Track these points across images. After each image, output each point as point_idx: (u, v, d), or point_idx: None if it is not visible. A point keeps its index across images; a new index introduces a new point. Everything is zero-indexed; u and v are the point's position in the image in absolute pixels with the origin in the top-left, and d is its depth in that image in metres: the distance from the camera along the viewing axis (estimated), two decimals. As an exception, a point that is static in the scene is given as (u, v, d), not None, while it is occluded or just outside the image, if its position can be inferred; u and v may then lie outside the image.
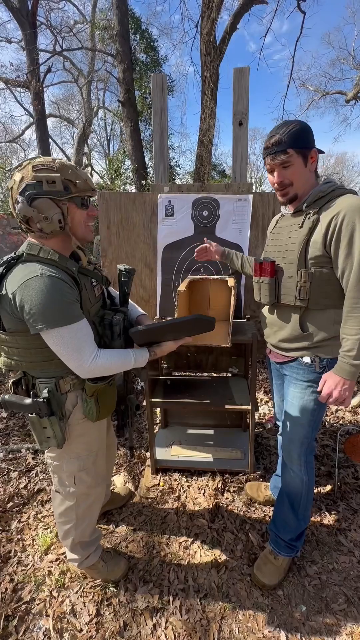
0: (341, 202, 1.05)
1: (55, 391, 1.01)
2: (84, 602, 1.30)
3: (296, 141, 1.07)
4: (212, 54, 6.55)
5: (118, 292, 1.25)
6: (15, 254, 0.94)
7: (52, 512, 1.72)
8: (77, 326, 0.92)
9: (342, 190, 1.10)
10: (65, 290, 0.90)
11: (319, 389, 1.13)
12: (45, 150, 10.07)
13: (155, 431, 2.24)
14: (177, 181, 11.37)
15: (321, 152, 1.15)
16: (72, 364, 0.95)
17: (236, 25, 7.20)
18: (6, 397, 1.03)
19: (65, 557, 1.45)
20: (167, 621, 1.23)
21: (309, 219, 1.10)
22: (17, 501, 1.79)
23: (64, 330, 0.90)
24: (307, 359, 1.19)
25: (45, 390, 1.00)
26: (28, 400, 1.00)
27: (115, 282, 1.26)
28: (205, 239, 1.62)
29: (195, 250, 1.60)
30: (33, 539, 1.57)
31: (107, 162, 11.57)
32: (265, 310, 1.36)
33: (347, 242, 1.02)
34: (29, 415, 1.01)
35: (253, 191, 1.89)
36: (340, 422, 2.42)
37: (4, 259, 0.94)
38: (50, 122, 13.90)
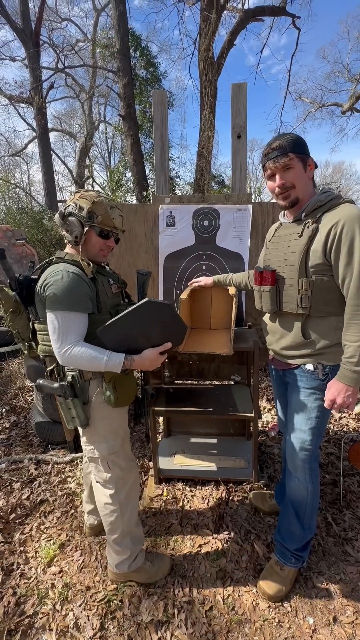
0: (340, 211, 1.07)
1: (79, 378, 1.14)
2: (88, 616, 1.28)
3: (296, 147, 1.12)
4: (210, 69, 6.74)
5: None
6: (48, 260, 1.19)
7: (55, 523, 1.71)
8: (73, 315, 1.07)
9: (339, 199, 1.13)
10: (80, 283, 1.08)
11: (325, 398, 1.14)
12: (47, 163, 10.27)
13: (158, 440, 2.23)
14: (178, 192, 11.53)
15: (315, 166, 1.19)
16: (54, 348, 1.09)
17: (233, 42, 7.42)
18: (41, 381, 1.21)
19: (102, 584, 1.41)
20: (172, 635, 1.21)
21: (308, 228, 1.13)
22: (19, 512, 1.77)
23: (61, 314, 1.06)
24: (309, 366, 1.20)
25: (70, 376, 1.14)
26: (56, 384, 1.16)
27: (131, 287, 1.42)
28: (190, 282, 1.78)
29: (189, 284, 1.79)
30: (36, 551, 1.56)
31: (108, 173, 11.77)
32: (266, 317, 1.38)
33: (347, 250, 1.04)
34: (58, 396, 1.17)
35: (252, 201, 1.93)
36: (344, 429, 2.41)
37: (41, 263, 1.18)
38: (52, 136, 14.19)
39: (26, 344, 1.29)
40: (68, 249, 1.20)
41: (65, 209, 1.13)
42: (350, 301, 1.05)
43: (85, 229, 1.12)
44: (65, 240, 1.17)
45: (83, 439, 1.27)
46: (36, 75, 9.14)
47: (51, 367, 1.21)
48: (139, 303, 1.02)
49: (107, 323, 1.04)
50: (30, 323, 1.23)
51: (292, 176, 1.14)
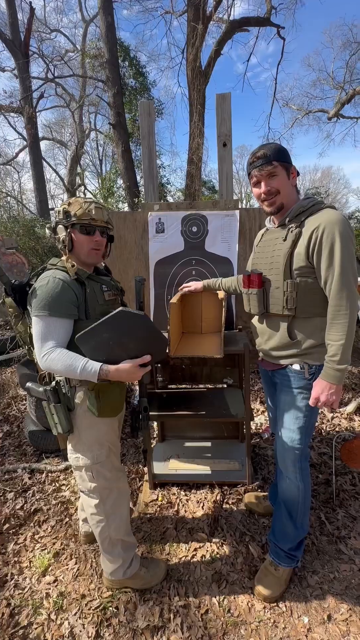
0: (321, 216, 1.12)
1: (65, 383, 1.16)
2: (83, 624, 1.27)
3: (279, 155, 1.17)
4: (198, 78, 6.87)
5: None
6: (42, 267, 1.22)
7: (49, 532, 1.70)
8: (55, 320, 1.08)
9: (321, 205, 1.17)
10: (65, 289, 1.09)
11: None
12: (38, 171, 10.30)
13: (152, 445, 2.23)
14: (169, 198, 11.64)
15: (298, 173, 1.24)
16: (35, 352, 1.11)
17: (220, 51, 7.58)
18: (29, 384, 1.24)
19: (98, 591, 1.38)
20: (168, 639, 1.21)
21: (291, 232, 1.17)
22: (13, 522, 1.76)
23: (43, 318, 1.08)
24: (296, 366, 1.23)
25: (54, 382, 1.16)
26: (41, 388, 1.17)
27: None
28: (181, 287, 1.80)
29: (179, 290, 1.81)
30: (30, 561, 1.54)
31: (100, 181, 11.84)
32: (255, 320, 1.41)
33: (328, 253, 1.08)
34: (43, 401, 1.18)
35: (242, 205, 1.97)
36: (336, 429, 2.44)
37: (36, 270, 1.21)
38: (43, 144, 14.26)
39: (27, 347, 1.30)
40: (64, 257, 1.22)
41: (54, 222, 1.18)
42: (332, 301, 1.09)
43: (68, 230, 1.15)
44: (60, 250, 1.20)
45: (68, 447, 1.26)
46: (26, 85, 9.21)
47: (42, 373, 1.22)
48: (112, 313, 1.00)
49: (83, 331, 1.03)
50: (29, 327, 1.25)
51: (277, 183, 1.19)
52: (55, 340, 1.09)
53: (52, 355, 1.06)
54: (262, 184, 1.20)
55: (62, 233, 1.16)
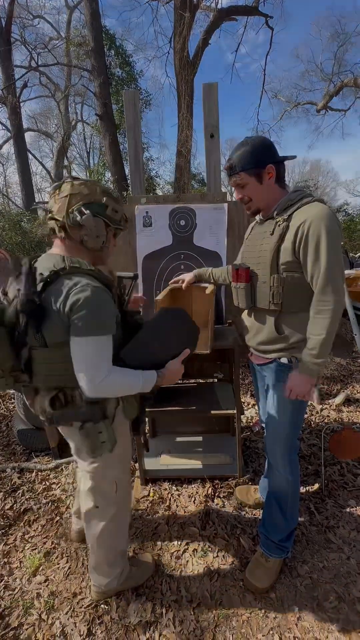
0: (308, 210, 1.10)
1: None
2: (75, 623, 1.27)
3: (247, 164, 1.15)
4: (186, 68, 6.76)
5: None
6: (53, 268, 0.91)
7: (40, 532, 1.68)
8: (106, 340, 0.93)
9: (309, 198, 1.15)
10: (108, 301, 0.94)
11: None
12: (23, 164, 10.05)
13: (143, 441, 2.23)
14: (159, 191, 11.52)
15: (289, 158, 1.21)
16: (84, 377, 0.91)
17: (208, 41, 7.47)
18: (54, 411, 0.99)
19: (89, 589, 1.33)
20: (160, 634, 1.21)
21: (279, 226, 1.15)
22: (2, 523, 1.73)
23: (96, 340, 0.90)
24: (284, 360, 1.23)
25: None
26: (84, 408, 0.98)
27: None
28: (171, 281, 1.75)
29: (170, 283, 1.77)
30: (20, 562, 1.53)
31: (88, 174, 11.61)
32: (244, 314, 1.40)
33: (314, 248, 1.07)
34: (84, 424, 1.00)
35: (232, 199, 1.95)
36: (325, 420, 2.47)
37: (44, 275, 0.90)
38: (28, 136, 13.88)
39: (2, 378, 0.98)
40: (65, 246, 0.99)
41: (87, 205, 0.93)
42: (317, 296, 1.09)
43: (110, 233, 1.03)
44: (71, 240, 0.97)
45: (93, 466, 1.10)
46: (8, 73, 8.93)
47: (51, 396, 0.99)
48: (156, 315, 0.99)
49: (130, 343, 0.98)
50: (26, 349, 0.94)
51: (247, 192, 1.20)
52: (108, 362, 0.94)
53: (109, 379, 0.93)
54: (235, 192, 1.23)
55: (102, 231, 0.98)
